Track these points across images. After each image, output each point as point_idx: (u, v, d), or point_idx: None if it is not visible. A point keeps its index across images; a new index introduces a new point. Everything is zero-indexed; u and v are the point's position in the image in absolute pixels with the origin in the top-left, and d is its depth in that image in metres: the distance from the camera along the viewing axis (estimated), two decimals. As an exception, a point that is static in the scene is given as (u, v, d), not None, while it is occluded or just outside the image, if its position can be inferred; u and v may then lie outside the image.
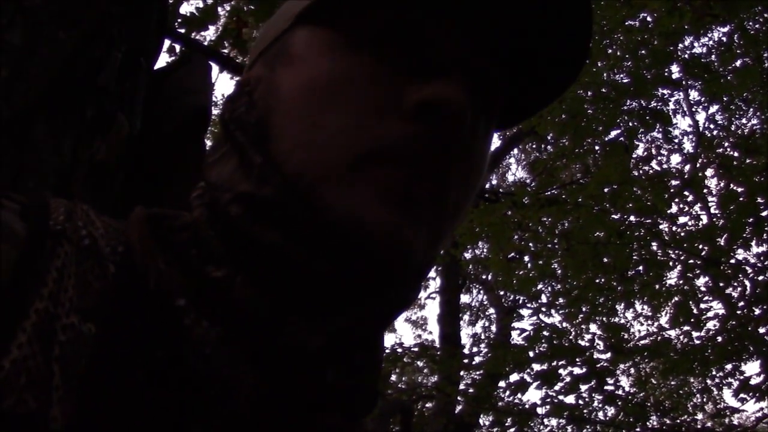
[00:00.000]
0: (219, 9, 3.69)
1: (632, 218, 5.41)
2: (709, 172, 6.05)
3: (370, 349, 0.51)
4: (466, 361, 6.77)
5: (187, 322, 0.45)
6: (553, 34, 0.50)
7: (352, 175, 0.45)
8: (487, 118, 0.51)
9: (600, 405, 6.52)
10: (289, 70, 0.50)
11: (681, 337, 6.11)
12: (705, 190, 6.15)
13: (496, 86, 0.51)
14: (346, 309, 0.47)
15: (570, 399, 5.73)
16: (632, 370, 8.37)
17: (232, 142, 0.51)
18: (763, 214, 4.95)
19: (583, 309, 6.29)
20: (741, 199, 5.01)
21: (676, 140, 7.15)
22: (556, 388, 5.53)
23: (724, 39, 5.69)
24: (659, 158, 7.05)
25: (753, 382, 5.40)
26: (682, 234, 5.77)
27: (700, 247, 5.47)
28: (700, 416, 9.05)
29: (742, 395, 5.60)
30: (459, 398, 7.24)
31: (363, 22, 0.48)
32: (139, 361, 0.42)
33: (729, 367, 6.02)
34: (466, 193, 0.50)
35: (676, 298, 5.93)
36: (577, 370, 5.45)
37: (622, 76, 5.62)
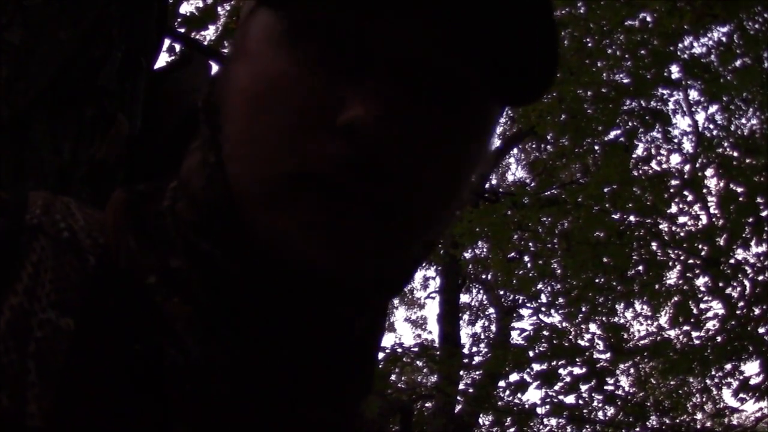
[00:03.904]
0: (219, 9, 3.69)
1: (632, 218, 5.42)
2: (708, 172, 6.04)
3: (356, 339, 0.49)
4: (465, 360, 6.77)
5: (158, 299, 0.44)
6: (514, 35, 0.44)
7: (279, 197, 0.42)
8: (467, 102, 0.45)
9: (600, 405, 6.53)
10: (241, 63, 0.47)
11: (681, 337, 6.11)
12: (705, 190, 6.14)
13: (454, 77, 0.44)
14: (291, 325, 0.45)
15: (570, 399, 5.75)
16: (632, 370, 8.37)
17: (202, 135, 0.49)
18: (763, 214, 4.95)
19: (583, 309, 6.29)
20: (740, 199, 5.01)
21: (676, 140, 7.14)
22: (556, 387, 5.53)
23: (724, 39, 5.69)
24: (659, 158, 7.05)
25: (752, 382, 5.41)
26: (682, 234, 5.78)
27: (700, 247, 5.47)
28: (699, 416, 9.06)
29: (741, 395, 5.61)
30: (459, 398, 7.24)
31: (308, 11, 0.43)
32: (119, 354, 0.42)
33: (728, 367, 6.01)
34: (440, 195, 0.46)
35: (676, 298, 5.93)
36: (576, 370, 5.46)
37: (621, 76, 5.62)
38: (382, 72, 0.42)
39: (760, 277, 5.39)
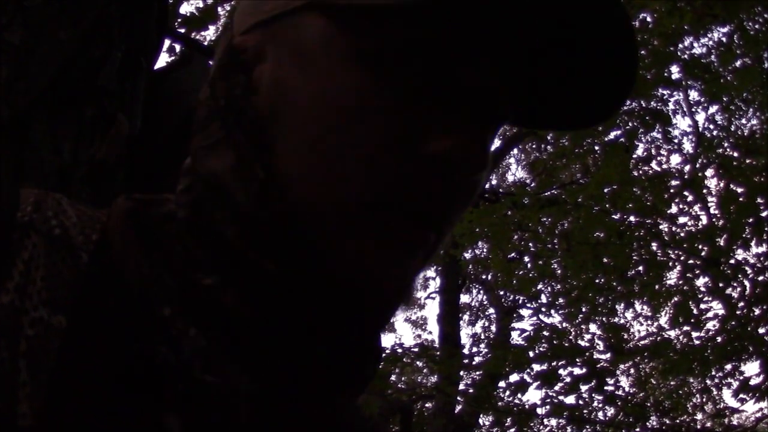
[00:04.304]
0: (219, 9, 3.69)
1: (632, 218, 5.42)
2: (709, 172, 6.04)
3: (366, 348, 0.49)
4: (465, 361, 6.77)
5: (175, 333, 0.43)
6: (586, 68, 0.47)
7: (359, 221, 0.43)
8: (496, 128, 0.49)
9: (600, 405, 6.53)
10: (302, 70, 0.45)
11: (681, 337, 6.11)
12: (705, 191, 6.14)
13: (513, 110, 0.48)
14: (327, 340, 0.46)
15: (570, 399, 5.75)
16: (632, 371, 8.37)
17: (228, 134, 0.46)
18: (763, 214, 4.95)
19: (583, 309, 6.29)
20: (741, 199, 5.01)
21: (676, 140, 7.15)
22: (556, 388, 5.53)
23: (724, 39, 5.69)
24: (659, 158, 7.05)
25: (752, 382, 5.41)
26: (682, 234, 5.77)
27: (700, 247, 5.47)
28: (699, 416, 9.06)
29: (741, 395, 5.61)
30: (459, 398, 7.24)
31: (390, 34, 0.43)
32: (112, 352, 0.42)
33: (729, 367, 6.01)
34: (467, 203, 0.48)
35: (676, 299, 5.93)
36: (577, 371, 5.46)
37: (621, 76, 5.59)
38: (460, 100, 0.44)
39: (760, 278, 5.39)
